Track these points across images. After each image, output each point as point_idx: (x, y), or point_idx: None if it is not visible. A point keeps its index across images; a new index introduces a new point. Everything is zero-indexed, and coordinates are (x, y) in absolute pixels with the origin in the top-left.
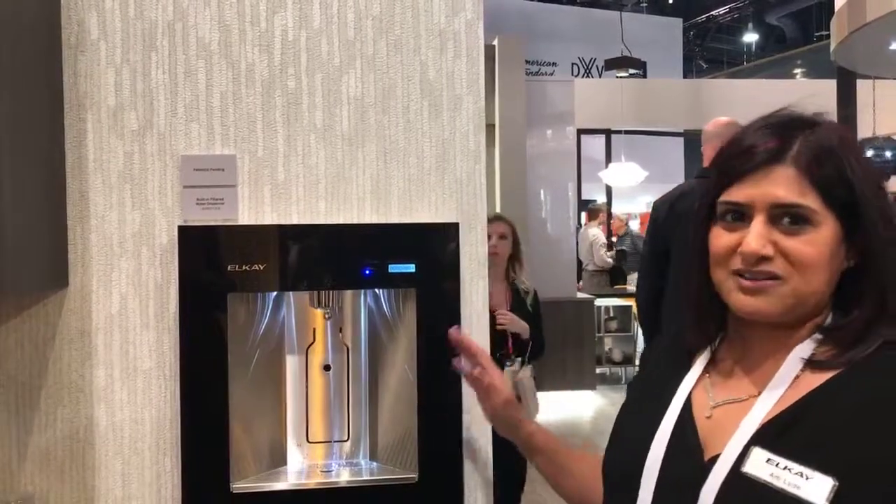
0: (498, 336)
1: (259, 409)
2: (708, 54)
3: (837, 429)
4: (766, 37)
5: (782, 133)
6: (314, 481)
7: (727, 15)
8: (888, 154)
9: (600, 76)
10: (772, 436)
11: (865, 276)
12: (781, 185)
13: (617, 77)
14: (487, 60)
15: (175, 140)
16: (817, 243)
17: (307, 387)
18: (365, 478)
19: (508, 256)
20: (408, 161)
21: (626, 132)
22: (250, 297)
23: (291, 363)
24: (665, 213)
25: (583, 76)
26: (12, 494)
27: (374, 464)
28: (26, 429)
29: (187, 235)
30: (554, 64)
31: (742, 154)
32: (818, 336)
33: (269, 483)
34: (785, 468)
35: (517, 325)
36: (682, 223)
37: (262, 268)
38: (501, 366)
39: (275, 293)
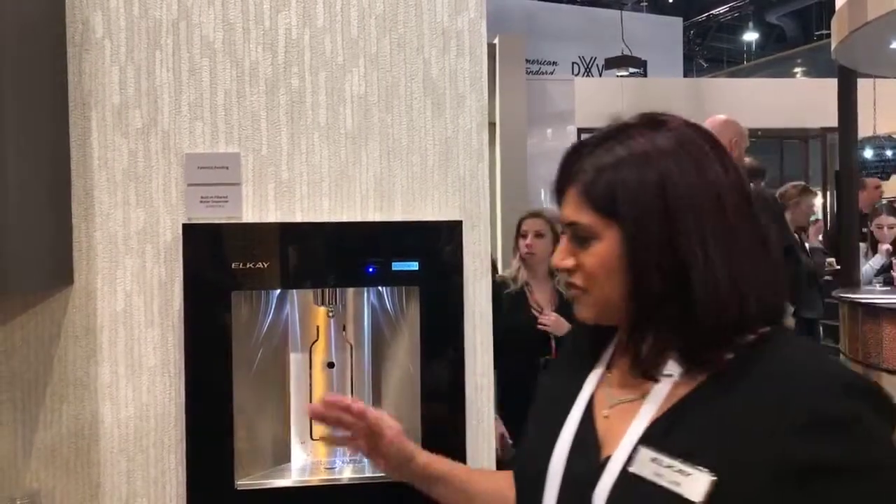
0: (541, 338)
1: (263, 406)
2: (708, 53)
3: (714, 428)
4: (767, 36)
5: (570, 158)
6: (318, 478)
7: (727, 14)
8: (889, 153)
9: (600, 75)
10: (657, 435)
11: (640, 287)
12: (569, 204)
13: (617, 76)
14: (488, 59)
15: (179, 138)
16: (599, 255)
17: (311, 384)
18: (368, 474)
19: (550, 255)
20: (411, 159)
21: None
22: (254, 294)
23: (295, 361)
24: None
25: (583, 75)
26: (18, 491)
27: None
28: (32, 426)
29: (192, 233)
30: (554, 63)
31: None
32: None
33: (273, 480)
34: (668, 466)
35: (561, 327)
36: None
37: (265, 266)
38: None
39: (278, 291)
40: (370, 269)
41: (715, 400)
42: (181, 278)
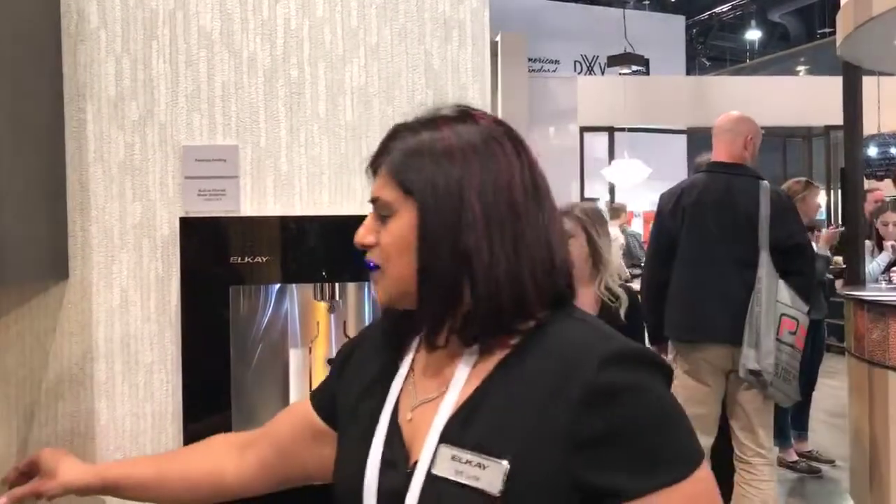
0: None
1: (262, 403)
2: (710, 52)
3: (504, 414)
4: (769, 34)
5: (392, 137)
6: None
7: (730, 12)
8: (893, 150)
9: (602, 73)
10: (455, 431)
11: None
12: (377, 181)
13: (620, 74)
14: (490, 57)
15: (176, 130)
16: (393, 231)
17: (311, 381)
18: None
19: (586, 257)
20: None
21: (629, 129)
22: (253, 289)
23: (295, 357)
24: (671, 207)
25: (585, 73)
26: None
27: None
28: (26, 423)
29: (189, 227)
30: (556, 61)
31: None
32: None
33: None
34: (466, 462)
35: None
36: (688, 216)
37: (264, 260)
38: None
39: (277, 286)
40: (371, 263)
41: (502, 386)
42: (178, 273)
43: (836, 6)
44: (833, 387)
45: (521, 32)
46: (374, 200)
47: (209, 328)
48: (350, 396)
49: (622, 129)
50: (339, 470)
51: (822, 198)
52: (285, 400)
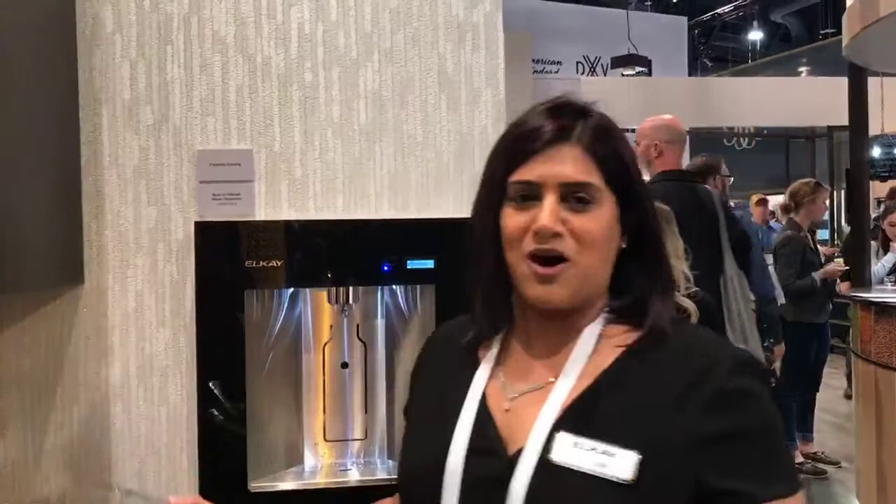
0: None
1: (276, 407)
2: (713, 52)
3: (632, 406)
4: (772, 35)
5: (564, 115)
6: (332, 480)
7: (732, 13)
8: None
9: (605, 74)
10: (574, 419)
11: (639, 257)
12: (569, 163)
13: (623, 75)
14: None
15: (191, 135)
16: (600, 220)
17: (324, 385)
18: (381, 476)
19: None
20: (426, 155)
21: (632, 130)
22: (267, 293)
23: (308, 361)
24: None
25: (587, 74)
26: (28, 495)
27: (391, 462)
28: (42, 427)
29: (204, 231)
30: (559, 63)
31: (529, 134)
32: (605, 316)
33: (285, 482)
34: (591, 449)
35: None
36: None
37: (279, 264)
38: None
39: (291, 290)
40: (385, 268)
41: (625, 379)
42: (193, 277)
43: (839, 7)
44: (838, 388)
45: (524, 33)
46: (573, 184)
47: (224, 332)
48: (426, 393)
49: (626, 130)
50: (410, 457)
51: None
52: (298, 403)
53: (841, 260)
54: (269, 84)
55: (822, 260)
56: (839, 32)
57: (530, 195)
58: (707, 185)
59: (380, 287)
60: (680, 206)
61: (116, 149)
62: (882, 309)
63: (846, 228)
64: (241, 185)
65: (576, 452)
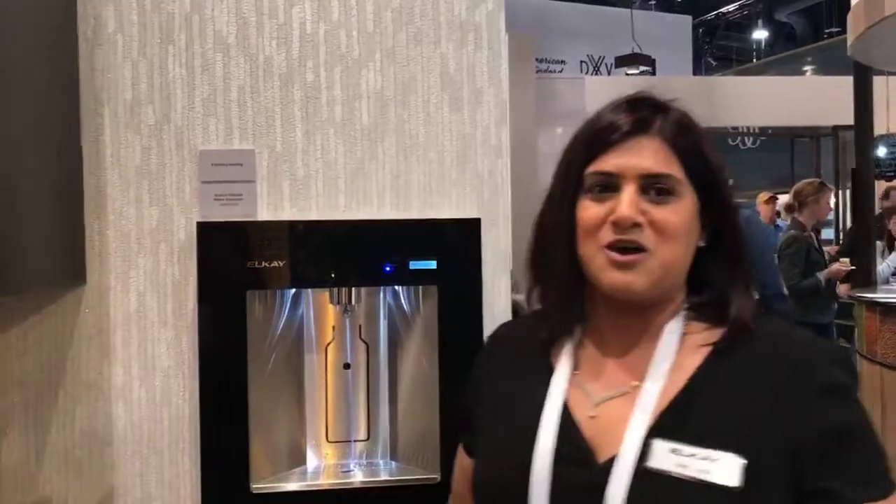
0: None
1: (278, 408)
2: (717, 51)
3: (729, 408)
4: (776, 34)
5: (643, 108)
6: (334, 482)
7: (736, 12)
8: None
9: (609, 74)
10: (669, 424)
11: (719, 253)
12: (649, 155)
13: (627, 74)
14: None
15: (193, 135)
16: (681, 213)
17: (326, 385)
18: (385, 478)
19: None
20: (428, 156)
21: None
22: (269, 294)
23: (310, 361)
24: None
25: (592, 74)
26: (30, 496)
27: (394, 464)
28: (44, 428)
29: (206, 232)
30: (562, 62)
31: (607, 126)
32: (684, 314)
33: (288, 483)
34: (691, 455)
35: None
36: None
37: (281, 265)
38: None
39: (293, 290)
40: (387, 268)
41: (718, 379)
42: (195, 277)
43: (843, 6)
44: None
45: (527, 32)
46: (653, 176)
47: (226, 333)
48: (495, 396)
49: None
50: (490, 464)
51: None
52: (301, 404)
53: (847, 259)
54: (271, 84)
55: (827, 259)
56: (844, 31)
57: (609, 186)
58: None
59: (382, 288)
60: None
61: (118, 149)
62: (887, 309)
63: None
64: (243, 186)
65: (675, 459)
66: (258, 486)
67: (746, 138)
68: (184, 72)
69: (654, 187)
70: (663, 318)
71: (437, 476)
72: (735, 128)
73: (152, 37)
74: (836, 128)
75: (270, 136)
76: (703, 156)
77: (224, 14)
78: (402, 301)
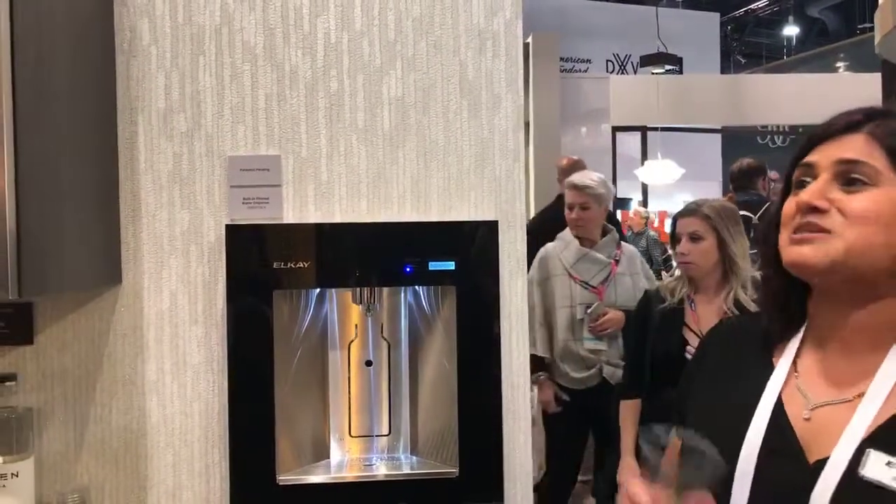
0: None
1: (303, 403)
2: (746, 48)
3: None
4: (808, 30)
5: (859, 113)
6: (357, 474)
7: (766, 8)
8: None
9: (635, 73)
10: (888, 438)
11: None
12: (849, 147)
13: (653, 73)
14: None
15: (222, 141)
16: (875, 200)
17: (349, 382)
18: (406, 471)
19: (716, 264)
20: (447, 160)
21: (662, 129)
22: (294, 293)
23: (334, 359)
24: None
25: (617, 73)
26: (69, 485)
27: (415, 458)
28: (83, 420)
29: (234, 234)
30: (588, 61)
31: (822, 129)
32: None
33: (313, 476)
34: None
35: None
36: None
37: (306, 265)
38: None
39: (318, 290)
40: (408, 269)
41: None
42: (224, 277)
43: (877, 1)
44: None
45: (553, 31)
46: (847, 162)
47: (253, 330)
48: (710, 389)
49: (655, 129)
50: None
51: None
52: (325, 399)
53: None
54: (297, 92)
55: None
56: None
57: (808, 177)
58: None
59: (403, 288)
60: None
61: (152, 155)
62: None
63: None
64: (270, 190)
65: (890, 472)
66: (284, 478)
67: (776, 137)
68: (214, 81)
69: (849, 176)
70: (882, 320)
71: (455, 470)
72: (764, 126)
73: (184, 48)
74: None
75: (296, 142)
76: None
77: (252, 25)
78: (423, 301)
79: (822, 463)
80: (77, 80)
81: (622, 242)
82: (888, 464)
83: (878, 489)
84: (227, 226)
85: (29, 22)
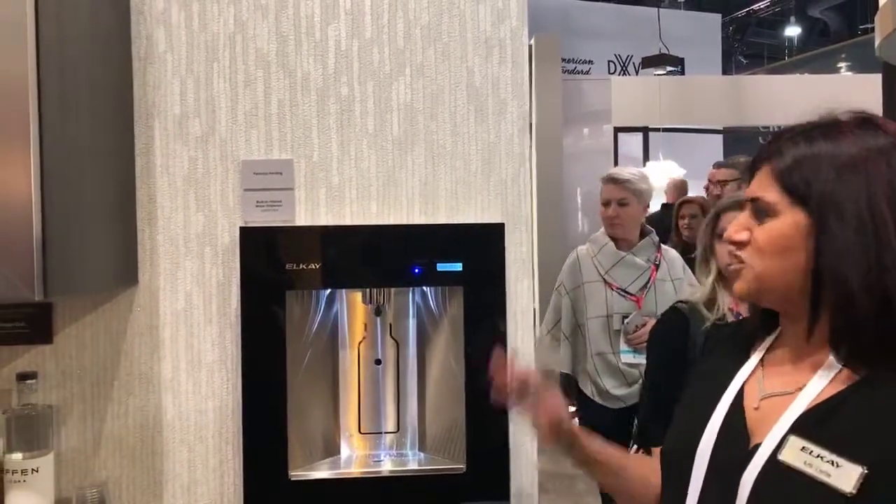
0: None
1: (314, 400)
2: (748, 49)
3: (870, 423)
4: (809, 30)
5: (782, 139)
6: (366, 470)
7: (768, 9)
8: None
9: (637, 74)
10: (808, 425)
11: (820, 276)
12: (755, 183)
13: (654, 74)
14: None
15: (236, 146)
16: (770, 230)
17: (359, 380)
18: (414, 467)
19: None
20: (455, 164)
21: (664, 130)
22: (306, 294)
23: (343, 357)
24: None
25: (619, 74)
26: (87, 479)
27: (423, 454)
28: (100, 416)
29: (248, 236)
30: (590, 62)
31: (753, 160)
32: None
33: (323, 471)
34: (818, 456)
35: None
36: None
37: (317, 266)
38: None
39: (328, 291)
40: (416, 270)
41: (871, 397)
42: (238, 278)
43: (879, 1)
44: None
45: (554, 32)
46: (752, 200)
47: (266, 330)
48: (696, 381)
49: (657, 130)
50: (671, 437)
51: None
52: (335, 397)
53: None
54: (308, 98)
55: None
56: None
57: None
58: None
59: (411, 288)
60: None
61: (167, 159)
62: None
63: None
64: (283, 193)
65: (802, 456)
66: (295, 474)
67: None
68: (228, 87)
69: (756, 207)
70: (821, 327)
71: (462, 466)
72: (766, 127)
73: (199, 55)
74: None
75: (308, 147)
76: (806, 180)
77: (265, 33)
78: (430, 301)
79: (757, 447)
80: (97, 88)
81: (662, 245)
82: (802, 449)
83: (794, 472)
84: (240, 228)
85: (53, 35)
